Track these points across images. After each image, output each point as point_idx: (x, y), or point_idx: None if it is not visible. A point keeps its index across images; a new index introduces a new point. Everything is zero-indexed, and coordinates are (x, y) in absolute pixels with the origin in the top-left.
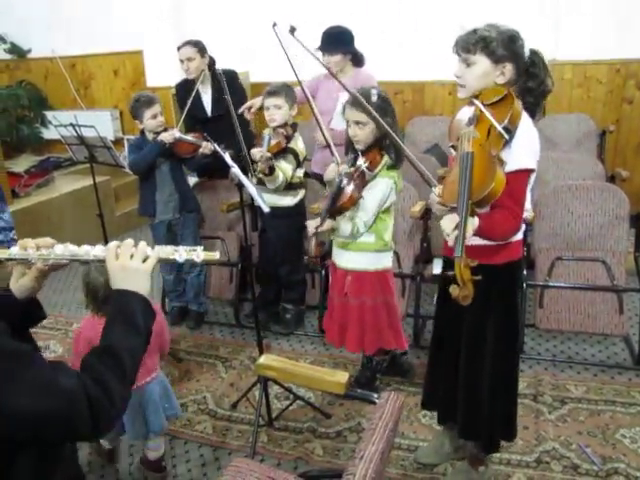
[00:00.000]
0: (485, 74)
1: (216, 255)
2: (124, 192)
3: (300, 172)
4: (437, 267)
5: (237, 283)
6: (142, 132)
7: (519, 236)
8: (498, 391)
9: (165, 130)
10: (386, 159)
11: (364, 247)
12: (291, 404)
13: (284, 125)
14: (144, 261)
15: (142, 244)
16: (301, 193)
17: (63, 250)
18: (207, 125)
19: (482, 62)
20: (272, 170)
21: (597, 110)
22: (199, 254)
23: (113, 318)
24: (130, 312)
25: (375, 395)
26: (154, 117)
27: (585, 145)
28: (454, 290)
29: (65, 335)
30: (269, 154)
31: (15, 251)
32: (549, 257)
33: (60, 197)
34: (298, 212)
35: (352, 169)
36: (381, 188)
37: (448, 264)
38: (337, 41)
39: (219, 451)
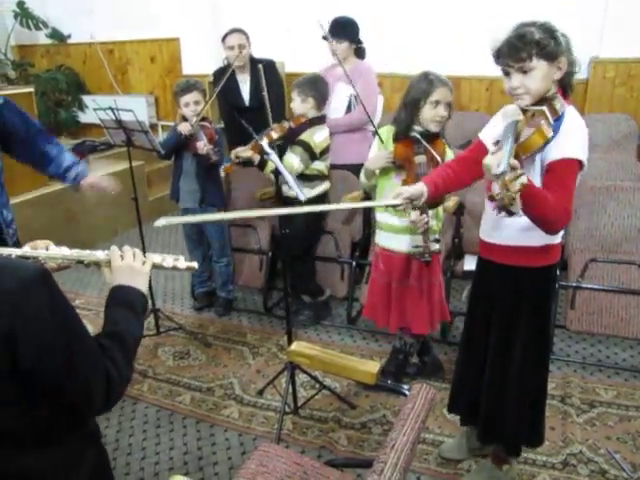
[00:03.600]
0: (546, 76)
1: (195, 265)
2: (157, 178)
3: (319, 165)
4: (469, 263)
5: (267, 271)
6: (182, 116)
7: (558, 239)
8: (525, 396)
9: (204, 119)
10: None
11: (413, 230)
12: (317, 393)
13: (299, 116)
14: (143, 264)
15: (137, 251)
16: (321, 186)
17: (69, 252)
18: (244, 114)
19: (540, 66)
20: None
21: None
22: (182, 262)
23: (119, 307)
24: (135, 304)
25: (406, 387)
26: (187, 105)
27: (624, 146)
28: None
29: (96, 316)
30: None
31: (27, 250)
32: (583, 258)
33: None
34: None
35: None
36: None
37: (483, 264)
38: (345, 29)
39: (244, 436)
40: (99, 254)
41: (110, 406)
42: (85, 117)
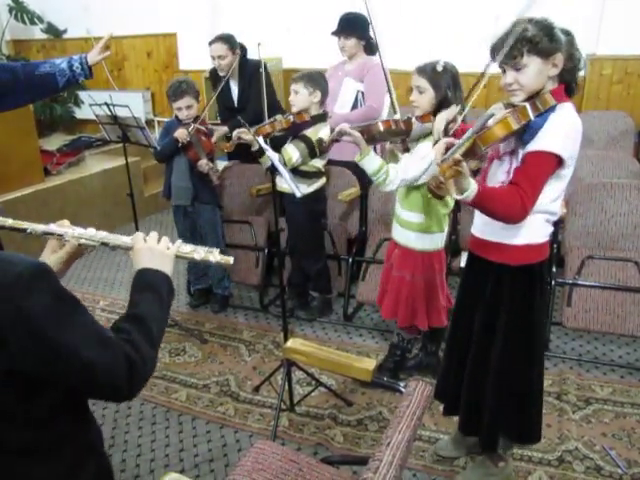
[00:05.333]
0: (539, 73)
1: (230, 260)
2: (152, 174)
3: (318, 162)
4: (465, 260)
5: (263, 268)
6: (176, 116)
7: (542, 238)
8: (502, 391)
9: (196, 119)
10: None
11: (413, 226)
12: (313, 390)
13: (301, 111)
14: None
15: (165, 238)
16: (318, 182)
17: (95, 233)
18: (236, 114)
19: (533, 62)
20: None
21: (637, 107)
22: (215, 255)
23: (140, 290)
24: (157, 286)
25: (402, 384)
26: (179, 110)
27: (622, 143)
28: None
29: (91, 312)
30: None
31: (53, 227)
32: (580, 255)
33: (91, 176)
34: (313, 201)
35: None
36: (424, 153)
37: (471, 258)
38: (353, 25)
39: (240, 433)
40: (124, 238)
41: (135, 389)
42: (81, 113)
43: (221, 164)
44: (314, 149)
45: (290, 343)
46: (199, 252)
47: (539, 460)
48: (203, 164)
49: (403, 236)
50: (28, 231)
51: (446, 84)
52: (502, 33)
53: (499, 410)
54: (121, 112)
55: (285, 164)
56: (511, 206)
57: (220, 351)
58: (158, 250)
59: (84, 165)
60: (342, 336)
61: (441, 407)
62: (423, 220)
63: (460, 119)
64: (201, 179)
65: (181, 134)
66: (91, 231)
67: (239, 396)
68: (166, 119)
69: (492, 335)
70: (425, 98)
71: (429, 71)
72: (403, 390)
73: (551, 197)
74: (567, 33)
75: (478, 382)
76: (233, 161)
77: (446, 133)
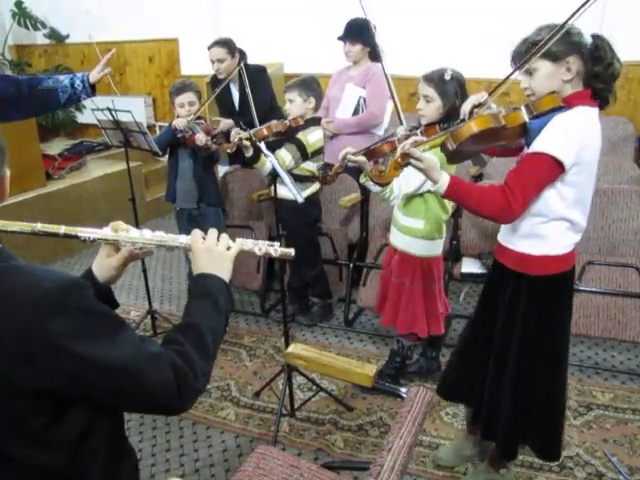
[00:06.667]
0: (549, 76)
1: (291, 252)
2: (154, 179)
3: (311, 165)
4: (466, 266)
5: (264, 273)
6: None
7: (562, 249)
8: (517, 402)
9: (199, 118)
10: None
11: (413, 231)
12: (314, 395)
13: (296, 118)
14: (227, 249)
15: (225, 235)
16: (311, 187)
17: (152, 236)
18: (237, 118)
19: (542, 66)
20: (257, 154)
21: (637, 113)
22: (276, 249)
23: (197, 297)
24: (214, 294)
25: (403, 389)
26: (181, 106)
27: (622, 149)
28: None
29: None
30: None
31: (107, 232)
32: (580, 261)
33: (92, 181)
34: (307, 206)
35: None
36: None
37: (494, 265)
38: (359, 31)
39: (241, 438)
40: (182, 238)
41: (187, 401)
42: (83, 117)
43: (222, 169)
44: (305, 150)
45: (291, 348)
46: (261, 247)
47: (540, 466)
48: (200, 137)
49: (403, 242)
50: (82, 238)
51: (454, 93)
52: (522, 39)
53: (515, 420)
54: (123, 117)
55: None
56: (491, 203)
57: (221, 356)
58: (217, 252)
59: (86, 170)
60: (343, 341)
61: (442, 412)
62: (424, 226)
63: (492, 106)
64: (206, 180)
65: (179, 122)
66: (147, 233)
67: (240, 401)
68: (167, 124)
69: (510, 341)
70: (432, 107)
71: (437, 80)
72: (404, 395)
73: (564, 204)
74: (596, 37)
75: (495, 390)
76: (234, 166)
77: (470, 116)
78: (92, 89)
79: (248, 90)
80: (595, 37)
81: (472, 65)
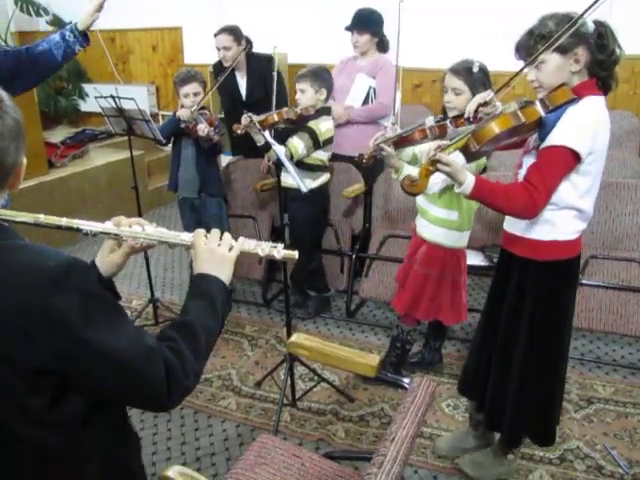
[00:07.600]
0: (558, 68)
1: (295, 254)
2: (156, 167)
3: (322, 155)
4: (470, 258)
5: (266, 263)
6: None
7: (570, 235)
8: (525, 390)
9: (202, 108)
10: None
11: (447, 223)
12: (315, 385)
13: (306, 108)
14: (229, 250)
15: (227, 235)
16: (322, 177)
17: (153, 231)
18: (244, 108)
19: (551, 59)
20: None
21: None
22: (279, 251)
23: (194, 297)
24: (212, 295)
25: (406, 380)
26: (186, 96)
27: (626, 143)
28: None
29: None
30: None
31: (109, 226)
32: (583, 255)
33: (95, 169)
34: (317, 197)
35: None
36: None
37: (502, 254)
38: (366, 21)
39: (242, 427)
40: (184, 236)
41: (175, 399)
42: (85, 106)
43: (225, 159)
44: (317, 139)
45: (294, 338)
46: (263, 248)
47: (540, 458)
48: (202, 127)
49: (434, 233)
50: (84, 231)
51: (482, 83)
52: (526, 31)
53: (522, 409)
54: (126, 104)
55: (292, 157)
56: (516, 201)
57: (222, 345)
58: (218, 253)
59: (88, 158)
60: (345, 332)
61: (443, 404)
62: (457, 217)
63: (497, 106)
64: (208, 170)
65: (183, 112)
66: (149, 229)
67: (241, 390)
68: (170, 113)
69: (516, 332)
70: (462, 99)
71: (464, 72)
72: (407, 386)
73: (577, 193)
74: (599, 24)
75: (503, 378)
76: (237, 157)
77: (475, 115)
78: (85, 38)
79: (274, 84)
80: (598, 24)
81: (477, 57)
